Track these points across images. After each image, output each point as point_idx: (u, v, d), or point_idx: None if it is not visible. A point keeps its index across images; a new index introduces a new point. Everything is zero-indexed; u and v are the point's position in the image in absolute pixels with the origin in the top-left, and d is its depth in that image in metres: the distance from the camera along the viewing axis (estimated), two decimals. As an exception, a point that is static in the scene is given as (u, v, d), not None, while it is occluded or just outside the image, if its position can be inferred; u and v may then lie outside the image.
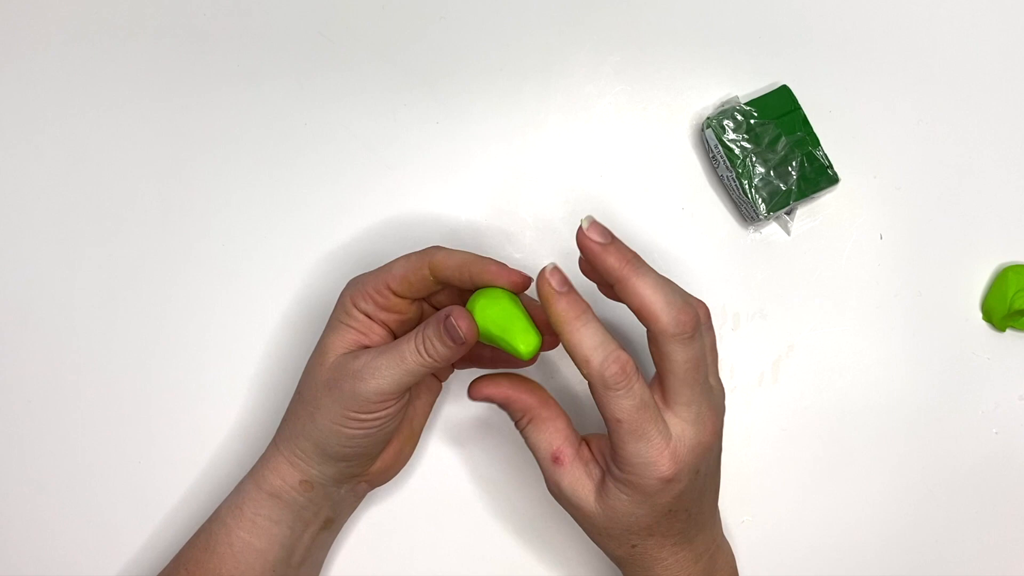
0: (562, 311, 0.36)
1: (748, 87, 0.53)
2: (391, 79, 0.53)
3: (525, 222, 0.52)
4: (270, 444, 0.44)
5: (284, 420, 0.44)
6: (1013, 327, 0.52)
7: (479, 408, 0.50)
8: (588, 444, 0.40)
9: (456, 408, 0.50)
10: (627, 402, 0.36)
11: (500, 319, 0.39)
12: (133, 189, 0.52)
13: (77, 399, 0.50)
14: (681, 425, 0.37)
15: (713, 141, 0.51)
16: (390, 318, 0.42)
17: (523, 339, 0.38)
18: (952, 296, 0.53)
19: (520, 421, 0.41)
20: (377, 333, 0.42)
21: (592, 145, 0.53)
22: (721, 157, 0.51)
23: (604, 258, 0.36)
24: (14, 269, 0.51)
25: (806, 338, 0.52)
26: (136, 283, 0.51)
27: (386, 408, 0.40)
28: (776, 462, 0.51)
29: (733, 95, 0.52)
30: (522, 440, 0.41)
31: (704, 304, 0.39)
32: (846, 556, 0.51)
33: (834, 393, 0.52)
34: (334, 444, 0.41)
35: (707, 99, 0.53)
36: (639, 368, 0.36)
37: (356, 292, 0.41)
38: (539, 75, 0.53)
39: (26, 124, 0.52)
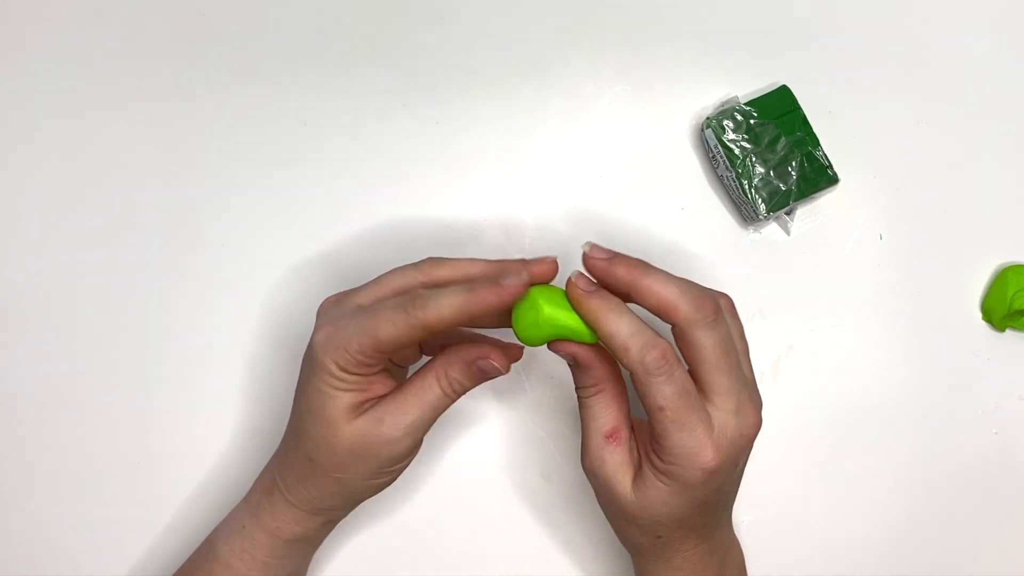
0: (595, 307, 0.37)
1: (748, 87, 0.53)
2: (391, 80, 0.53)
3: (525, 222, 0.52)
4: (276, 498, 0.42)
5: (293, 482, 0.41)
6: (1013, 327, 0.52)
7: (471, 409, 0.50)
8: (633, 428, 0.40)
9: (450, 408, 0.50)
10: (669, 388, 0.36)
11: (553, 325, 0.38)
12: (133, 190, 0.52)
13: (77, 399, 0.50)
14: (722, 416, 0.37)
15: (713, 141, 0.51)
16: (380, 367, 0.39)
17: (584, 331, 0.38)
18: (952, 296, 0.53)
19: (589, 388, 0.40)
20: (377, 382, 0.39)
21: (592, 145, 0.53)
22: (721, 157, 0.51)
23: (612, 271, 0.37)
24: (15, 270, 0.51)
25: (806, 338, 0.52)
26: (135, 284, 0.51)
27: (419, 446, 0.40)
28: (776, 462, 0.51)
29: (733, 95, 0.52)
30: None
31: (727, 295, 0.40)
32: (846, 556, 0.51)
33: (834, 393, 0.52)
34: (368, 493, 0.41)
35: (707, 99, 0.53)
36: (679, 356, 0.37)
37: (340, 358, 0.37)
38: (539, 75, 0.53)
39: (25, 125, 0.52)
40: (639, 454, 0.39)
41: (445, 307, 0.36)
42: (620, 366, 0.39)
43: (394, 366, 0.42)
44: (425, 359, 0.43)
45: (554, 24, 0.54)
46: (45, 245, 0.51)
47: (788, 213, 0.52)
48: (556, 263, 0.38)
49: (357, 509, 0.47)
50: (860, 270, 0.52)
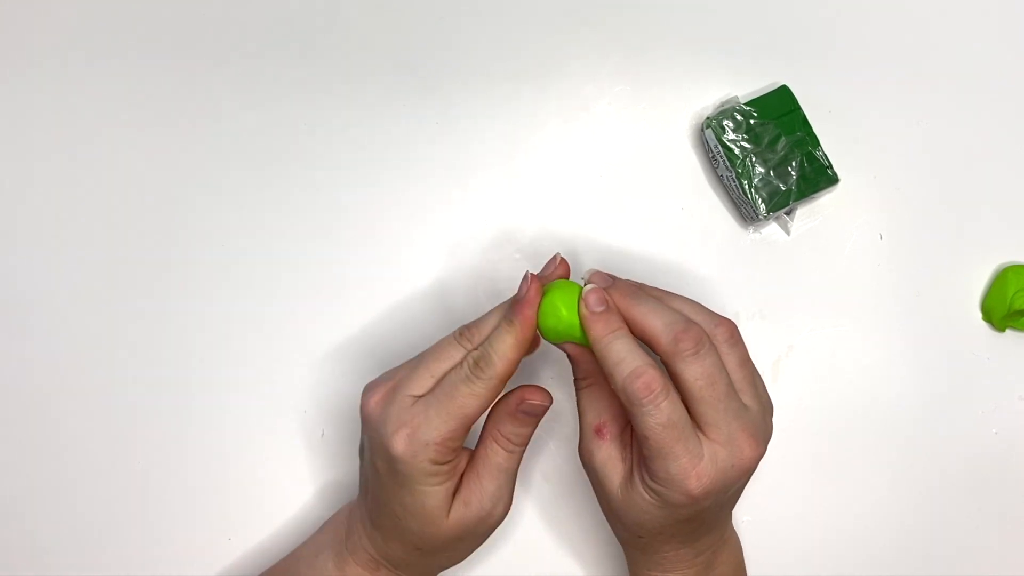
0: (594, 329, 0.37)
1: (748, 87, 0.53)
2: (391, 81, 0.53)
3: (525, 222, 0.52)
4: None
5: (403, 563, 0.42)
6: (1013, 327, 0.52)
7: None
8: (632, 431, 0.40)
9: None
10: (652, 419, 0.35)
11: (572, 327, 0.38)
12: (135, 197, 0.52)
13: (78, 400, 0.50)
14: (713, 447, 0.36)
15: (713, 141, 0.51)
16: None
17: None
18: (952, 296, 0.53)
19: (581, 381, 0.41)
20: (462, 462, 0.40)
21: (592, 145, 0.53)
22: (721, 157, 0.51)
23: (612, 296, 0.38)
24: (15, 271, 0.51)
25: (806, 338, 0.52)
26: (139, 289, 0.51)
27: (511, 503, 0.41)
28: (776, 462, 0.51)
29: (733, 95, 0.52)
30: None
31: (728, 322, 0.39)
32: (846, 556, 0.51)
33: (834, 393, 0.52)
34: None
35: (707, 99, 0.53)
36: (669, 384, 0.36)
37: (433, 454, 0.37)
38: (539, 75, 0.53)
39: (27, 130, 0.52)
40: (632, 456, 0.39)
41: (507, 350, 0.37)
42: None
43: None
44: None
45: (554, 24, 0.54)
46: (45, 248, 0.51)
47: (788, 213, 0.52)
48: (564, 262, 0.40)
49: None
50: (860, 270, 0.52)
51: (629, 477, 0.38)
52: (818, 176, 0.51)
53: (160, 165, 0.52)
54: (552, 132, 0.53)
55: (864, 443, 0.51)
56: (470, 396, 0.37)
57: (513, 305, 0.38)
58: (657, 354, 0.37)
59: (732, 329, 0.39)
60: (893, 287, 0.52)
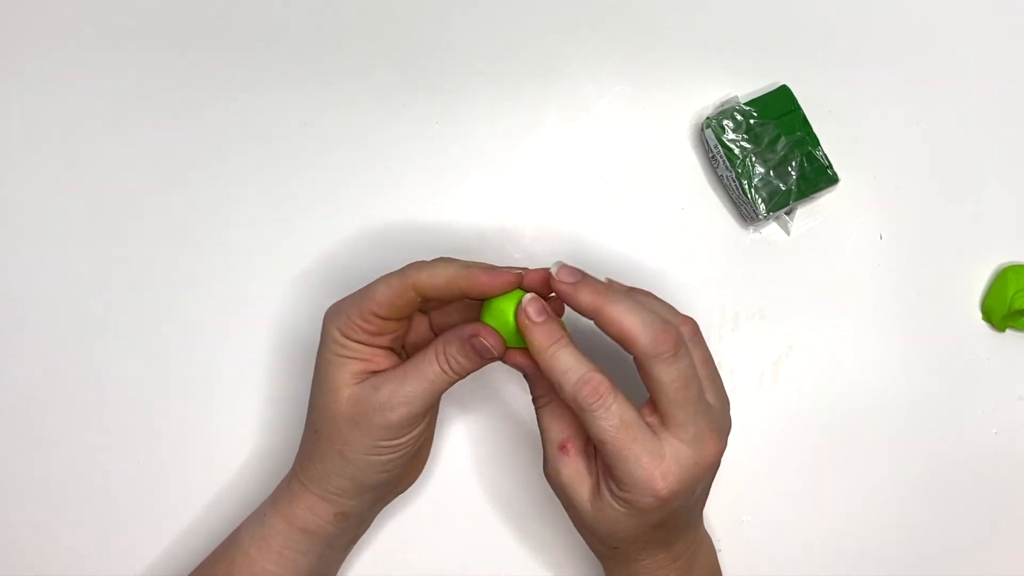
0: (536, 340, 0.37)
1: (748, 87, 0.53)
2: (391, 80, 0.53)
3: (525, 222, 0.52)
4: (293, 481, 0.43)
5: (305, 460, 0.43)
6: (1013, 327, 0.52)
7: (483, 407, 0.50)
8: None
9: (452, 408, 0.50)
10: (605, 422, 0.36)
11: (512, 326, 0.39)
12: (135, 194, 0.52)
13: (78, 400, 0.50)
14: (677, 446, 0.37)
15: (713, 141, 0.51)
16: (385, 340, 0.41)
17: None
18: (952, 296, 0.53)
19: (539, 399, 0.41)
20: (380, 356, 0.41)
21: (592, 145, 0.53)
22: (721, 157, 0.51)
23: (576, 297, 0.37)
24: (16, 272, 0.51)
25: (806, 338, 0.52)
26: (140, 287, 0.51)
27: (417, 427, 0.40)
28: (776, 462, 0.51)
29: (733, 95, 0.52)
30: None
31: (690, 320, 0.39)
32: (846, 556, 0.51)
33: (834, 393, 0.52)
34: (371, 474, 0.41)
35: (707, 99, 0.53)
36: (616, 388, 0.37)
37: (343, 324, 0.40)
38: (539, 75, 0.53)
39: (28, 130, 0.52)
40: (597, 468, 0.39)
41: (439, 272, 0.38)
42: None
43: (401, 348, 0.43)
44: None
45: (554, 24, 0.54)
46: (45, 248, 0.51)
47: (788, 213, 0.52)
48: (548, 279, 0.39)
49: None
50: (860, 270, 0.52)
51: (597, 489, 0.38)
52: (818, 176, 0.51)
53: (159, 162, 0.52)
54: (552, 132, 0.53)
55: (864, 443, 0.51)
56: (383, 283, 0.39)
57: (483, 266, 0.39)
58: (632, 354, 0.37)
59: (695, 327, 0.39)
60: (893, 287, 0.52)
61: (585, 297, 0.37)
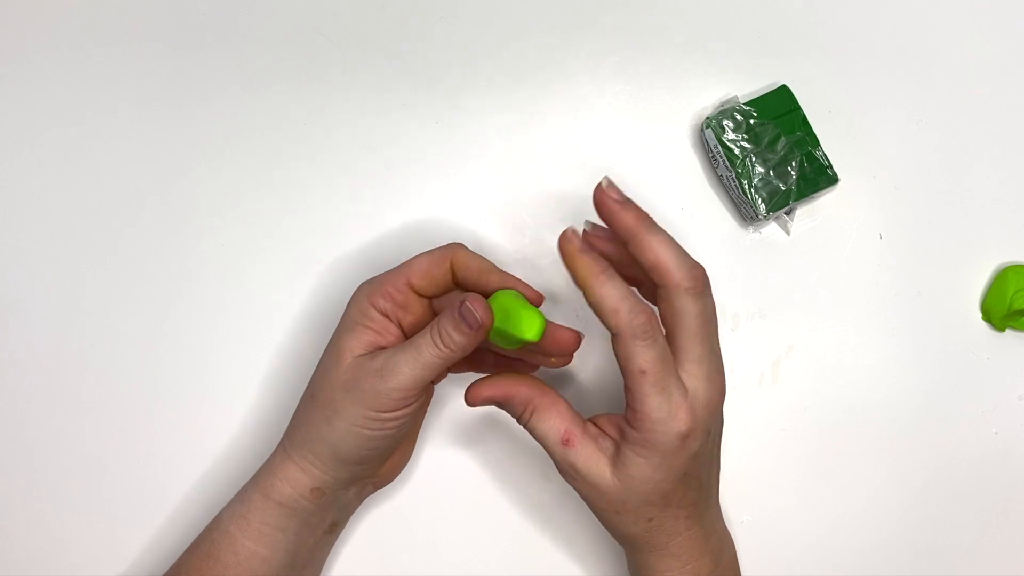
0: (586, 266, 0.37)
1: (748, 87, 0.53)
2: (391, 79, 0.53)
3: (525, 222, 0.52)
4: (277, 450, 0.44)
5: (294, 425, 0.43)
6: (1013, 327, 0.52)
7: (473, 409, 0.50)
8: (594, 423, 0.41)
9: (452, 408, 0.50)
10: (652, 352, 0.36)
11: (505, 308, 0.40)
12: (135, 192, 0.52)
13: (80, 400, 0.50)
14: (693, 382, 0.37)
15: (713, 141, 0.51)
16: (405, 318, 0.42)
17: (528, 324, 0.39)
18: (952, 296, 0.53)
19: (523, 415, 0.41)
20: (392, 333, 0.42)
21: (592, 145, 0.53)
22: (721, 157, 0.51)
23: (622, 215, 0.38)
24: (17, 273, 0.51)
25: (806, 338, 0.52)
26: (140, 286, 0.51)
27: (407, 405, 0.40)
28: (776, 462, 0.51)
29: (733, 95, 0.52)
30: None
31: (703, 267, 0.40)
32: (846, 556, 0.51)
33: (834, 393, 0.52)
34: (352, 447, 0.41)
35: (707, 99, 0.53)
36: (660, 324, 0.38)
37: (374, 291, 0.42)
38: (539, 75, 0.53)
39: (28, 129, 0.52)
40: (612, 438, 0.39)
41: (476, 256, 0.42)
42: (550, 361, 0.43)
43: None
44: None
45: (554, 24, 0.54)
46: (46, 245, 0.51)
47: (788, 213, 0.52)
48: (572, 339, 0.42)
49: (358, 511, 0.48)
50: (860, 270, 0.52)
51: (616, 457, 0.39)
52: (818, 176, 0.51)
53: (157, 161, 0.52)
54: (552, 132, 0.53)
55: (864, 443, 0.51)
56: (423, 255, 0.42)
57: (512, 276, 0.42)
58: (661, 284, 0.37)
59: (707, 275, 0.40)
60: (893, 287, 0.52)
61: (628, 217, 0.38)
